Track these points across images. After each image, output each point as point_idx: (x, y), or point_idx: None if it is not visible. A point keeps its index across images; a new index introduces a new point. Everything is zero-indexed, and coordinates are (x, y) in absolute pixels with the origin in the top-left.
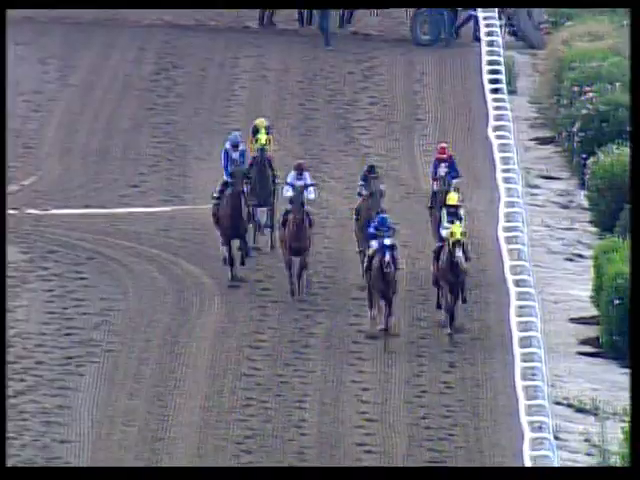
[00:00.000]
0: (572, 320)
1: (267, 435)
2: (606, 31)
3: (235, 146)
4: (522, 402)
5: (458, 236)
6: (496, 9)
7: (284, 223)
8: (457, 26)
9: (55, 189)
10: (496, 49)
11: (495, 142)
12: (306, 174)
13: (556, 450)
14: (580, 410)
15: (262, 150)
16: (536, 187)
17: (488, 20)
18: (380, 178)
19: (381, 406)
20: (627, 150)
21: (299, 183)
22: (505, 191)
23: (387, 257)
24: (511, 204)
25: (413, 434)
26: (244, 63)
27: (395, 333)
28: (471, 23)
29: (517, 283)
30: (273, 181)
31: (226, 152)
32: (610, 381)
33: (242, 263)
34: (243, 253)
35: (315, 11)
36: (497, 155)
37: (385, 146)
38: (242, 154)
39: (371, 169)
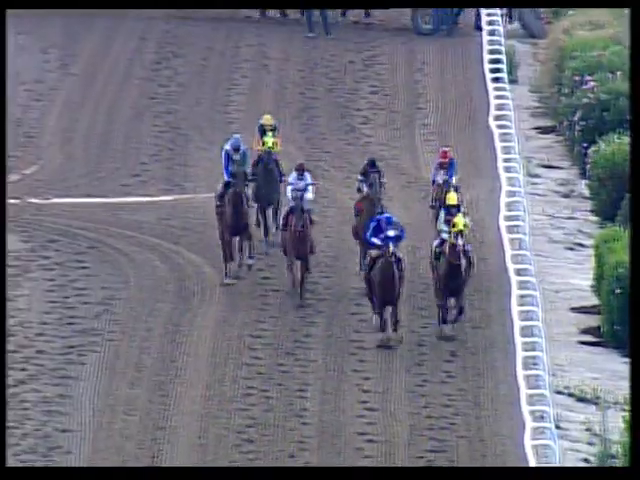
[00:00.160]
0: (573, 309)
1: (268, 424)
2: (607, 20)
3: (236, 150)
4: (523, 391)
5: (461, 227)
6: None
7: (285, 225)
8: (456, 12)
9: (56, 178)
10: (497, 38)
11: (496, 131)
12: (307, 174)
13: (557, 439)
14: (581, 399)
15: (269, 153)
16: (537, 176)
17: (489, 9)
18: (381, 172)
19: (382, 395)
20: (628, 139)
21: (300, 184)
22: (506, 180)
23: (391, 248)
24: (512, 193)
25: (414, 423)
26: (245, 52)
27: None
28: (472, 12)
29: (518, 272)
30: (280, 180)
31: (227, 153)
32: (611, 370)
33: (250, 256)
34: (248, 247)
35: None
36: (498, 144)
37: (386, 135)
38: (243, 156)
39: (372, 163)
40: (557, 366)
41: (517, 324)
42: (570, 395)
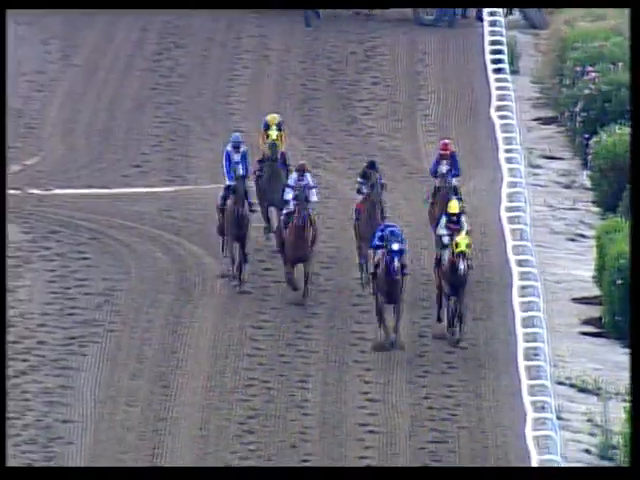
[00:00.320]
0: (574, 300)
1: (270, 415)
2: (608, 11)
3: (236, 147)
4: (524, 382)
5: (463, 247)
6: None
7: (285, 225)
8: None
9: (58, 169)
10: (498, 29)
11: (497, 122)
12: (307, 175)
13: (558, 430)
14: (582, 390)
15: (274, 145)
16: (538, 167)
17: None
18: (381, 173)
19: (383, 386)
20: (629, 130)
21: (301, 184)
22: (507, 171)
23: (396, 263)
24: (513, 184)
25: (416, 414)
26: (246, 43)
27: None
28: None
29: (519, 263)
30: (287, 177)
31: (227, 154)
32: (612, 361)
33: (245, 261)
34: (242, 257)
35: None
36: (499, 135)
37: (387, 126)
38: (244, 156)
39: (371, 165)
40: (558, 357)
41: (518, 315)
42: (571, 386)
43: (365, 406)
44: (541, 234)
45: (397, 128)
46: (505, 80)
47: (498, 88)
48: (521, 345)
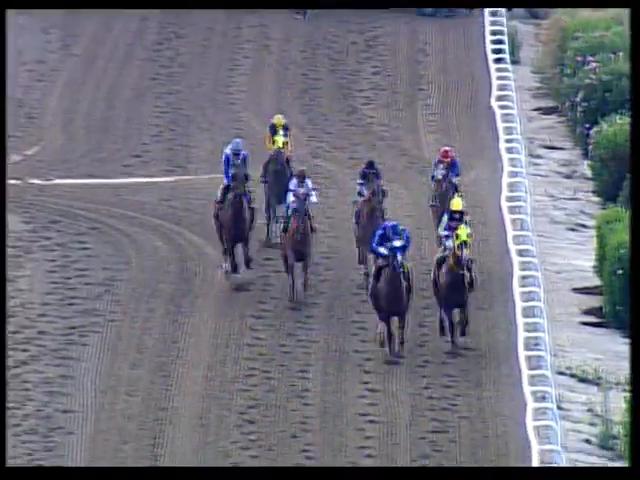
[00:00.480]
0: (575, 290)
1: (270, 405)
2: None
3: (236, 154)
4: (525, 372)
5: (464, 237)
6: None
7: (285, 230)
8: None
9: (58, 159)
10: (499, 19)
11: (498, 112)
12: (308, 181)
13: (559, 420)
14: (583, 380)
15: (279, 153)
16: (539, 157)
17: None
18: (380, 175)
19: (384, 376)
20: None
21: (302, 191)
22: (508, 161)
23: (398, 258)
24: (514, 174)
25: (416, 404)
26: (247, 33)
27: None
28: None
29: (520, 253)
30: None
31: (227, 157)
32: (613, 351)
33: (247, 266)
34: (245, 258)
35: None
36: (500, 125)
37: (388, 116)
38: (244, 160)
39: (370, 165)
40: (559, 347)
41: (519, 305)
42: (572, 376)
43: (365, 396)
44: (542, 224)
45: (398, 118)
46: (506, 70)
47: (499, 78)
48: (521, 335)
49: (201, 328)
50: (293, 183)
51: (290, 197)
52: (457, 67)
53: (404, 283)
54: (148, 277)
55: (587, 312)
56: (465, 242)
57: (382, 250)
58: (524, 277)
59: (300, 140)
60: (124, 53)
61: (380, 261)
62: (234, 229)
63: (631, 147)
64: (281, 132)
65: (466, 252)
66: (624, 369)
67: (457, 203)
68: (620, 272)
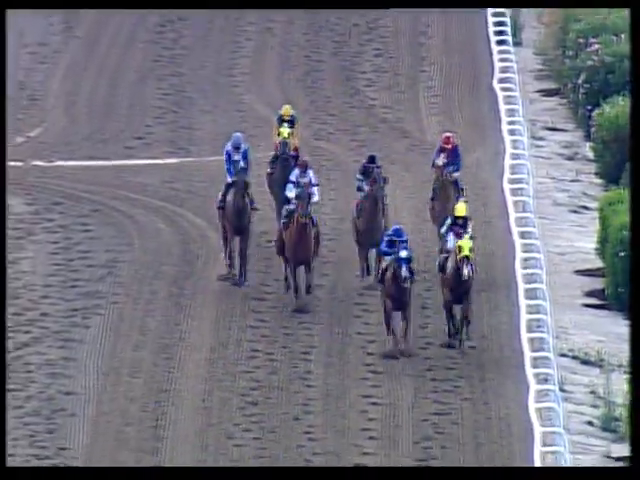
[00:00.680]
0: (577, 272)
1: (272, 387)
2: None
3: (237, 148)
4: (527, 354)
5: (466, 252)
6: None
7: (286, 227)
8: None
9: (60, 141)
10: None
11: (500, 94)
12: (310, 172)
13: (561, 402)
14: (585, 362)
15: (285, 144)
16: (541, 139)
17: None
18: (381, 168)
19: (386, 358)
20: None
21: (303, 181)
22: (510, 143)
23: (404, 271)
24: (516, 156)
25: (419, 386)
26: (249, 15)
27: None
28: None
29: (522, 235)
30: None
31: (228, 153)
32: (615, 333)
33: (243, 258)
34: (243, 250)
35: None
36: (502, 107)
37: (390, 98)
38: (244, 155)
39: (372, 159)
40: (561, 329)
41: (521, 287)
42: (574, 358)
43: (368, 378)
44: (544, 206)
45: (400, 100)
46: (508, 52)
47: (501, 60)
48: (524, 317)
49: (204, 310)
50: (295, 174)
51: (290, 189)
52: (459, 49)
53: (409, 291)
54: (151, 259)
55: (589, 294)
56: (467, 257)
57: (388, 250)
58: (526, 259)
59: (303, 122)
60: (127, 35)
61: (384, 264)
62: (235, 226)
63: (631, 130)
64: (286, 125)
65: (467, 271)
66: (626, 351)
67: (461, 209)
68: (622, 254)
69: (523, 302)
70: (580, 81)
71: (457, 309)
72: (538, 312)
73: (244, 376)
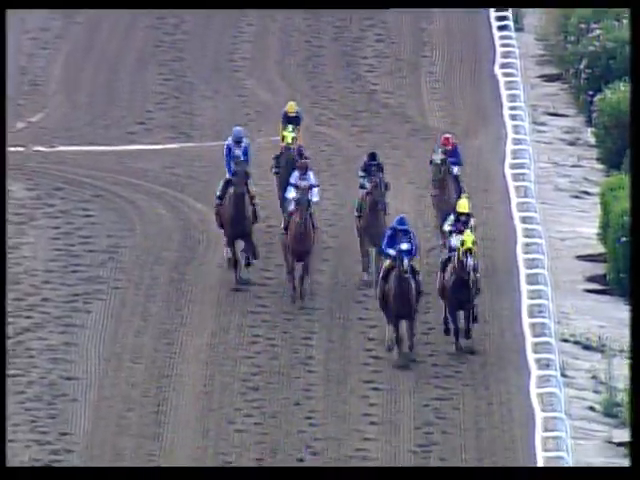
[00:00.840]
0: (579, 257)
1: (274, 372)
2: None
3: (238, 142)
4: (529, 339)
5: (469, 244)
6: None
7: (286, 227)
8: None
9: (62, 126)
10: None
11: (502, 79)
12: (310, 173)
13: (563, 387)
14: (587, 347)
15: (288, 150)
16: (543, 124)
17: None
18: (382, 166)
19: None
20: None
21: (303, 184)
22: (512, 128)
23: (405, 263)
24: (518, 141)
25: (420, 371)
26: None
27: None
28: None
29: (524, 220)
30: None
31: (228, 148)
32: (617, 318)
33: (247, 264)
34: (249, 254)
35: None
36: (504, 92)
37: (392, 83)
38: (245, 151)
39: (372, 156)
40: (563, 314)
41: (523, 272)
42: (576, 343)
43: (369, 363)
44: (545, 191)
45: (401, 85)
46: (509, 37)
47: (502, 45)
48: (525, 302)
49: (205, 295)
50: (294, 176)
51: (291, 191)
52: (461, 34)
53: (413, 286)
54: (152, 244)
55: (591, 279)
56: (470, 250)
57: (390, 251)
58: (528, 244)
59: (304, 107)
60: (128, 20)
61: (388, 262)
62: (235, 227)
63: (632, 116)
64: (290, 128)
65: (471, 260)
66: (628, 336)
67: (463, 205)
68: (624, 239)
69: (524, 287)
70: (582, 66)
71: (460, 314)
72: (539, 297)
73: (245, 361)
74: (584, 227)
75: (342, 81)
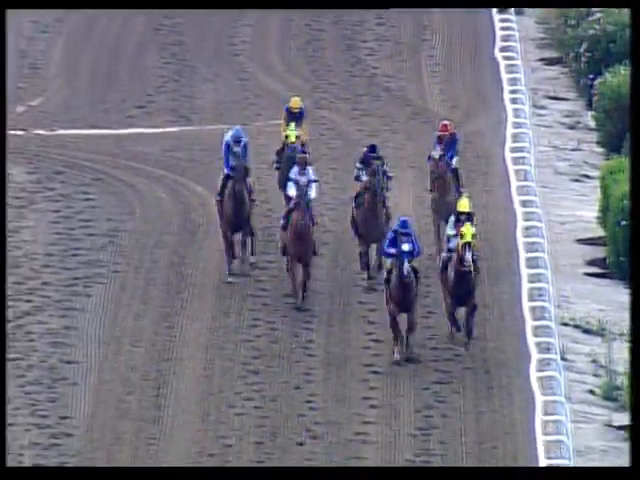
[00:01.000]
0: (579, 241)
1: (274, 356)
2: None
3: (237, 141)
4: (529, 323)
5: (468, 238)
6: None
7: (285, 227)
8: None
9: (62, 110)
10: None
11: (502, 62)
12: (309, 169)
13: (563, 371)
14: (587, 331)
15: (293, 149)
16: (543, 108)
17: None
18: (383, 158)
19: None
20: None
21: (302, 179)
22: (512, 112)
23: (406, 266)
24: (518, 125)
25: (420, 355)
26: None
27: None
28: None
29: (524, 204)
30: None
31: (227, 144)
32: (617, 302)
33: (252, 253)
34: (248, 250)
35: None
36: (504, 76)
37: (392, 67)
38: (244, 148)
39: (372, 148)
40: (563, 298)
41: (522, 256)
42: (576, 327)
43: (369, 347)
44: (545, 175)
45: (401, 69)
46: (510, 20)
47: (502, 28)
48: (525, 286)
49: (205, 279)
50: (294, 172)
51: (290, 187)
52: (461, 18)
53: (414, 288)
54: (152, 228)
55: (591, 263)
56: (469, 243)
57: (391, 251)
58: (528, 228)
59: (304, 91)
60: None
61: (389, 263)
62: (235, 223)
63: (632, 99)
64: (292, 126)
65: (469, 255)
66: (627, 320)
67: (464, 204)
68: (624, 223)
69: (524, 271)
70: (582, 50)
71: (461, 311)
72: (539, 281)
73: (245, 345)
74: (584, 211)
75: (342, 65)
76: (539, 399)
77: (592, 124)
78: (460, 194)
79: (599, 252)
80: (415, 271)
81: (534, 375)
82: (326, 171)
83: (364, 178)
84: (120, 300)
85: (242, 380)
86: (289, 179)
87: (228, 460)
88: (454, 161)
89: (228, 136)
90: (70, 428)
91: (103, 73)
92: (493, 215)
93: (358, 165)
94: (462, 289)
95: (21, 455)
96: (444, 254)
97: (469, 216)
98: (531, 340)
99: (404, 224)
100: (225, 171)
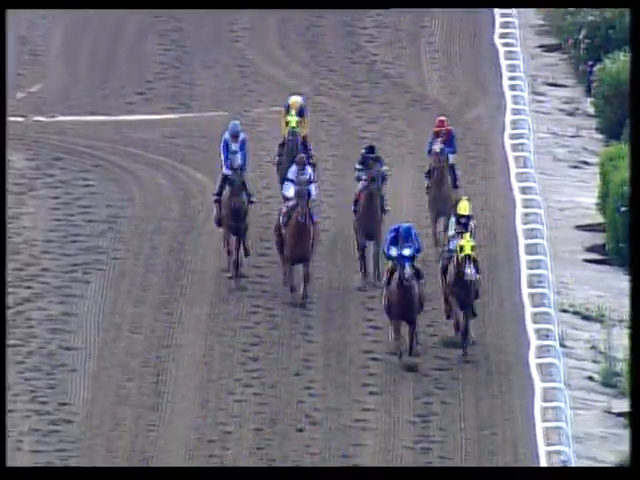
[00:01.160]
0: (578, 227)
1: (273, 342)
2: None
3: (235, 136)
4: (528, 309)
5: (468, 251)
6: None
7: (285, 224)
8: None
9: (61, 96)
10: None
11: (501, 49)
12: (308, 168)
13: (562, 357)
14: (586, 317)
15: (293, 133)
16: (542, 94)
17: None
18: (381, 159)
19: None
20: None
21: (302, 179)
22: (511, 98)
23: (407, 270)
24: (517, 111)
25: (419, 341)
26: None
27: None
28: None
29: (523, 190)
30: (309, 163)
31: (225, 142)
32: (616, 288)
33: (246, 254)
34: (244, 249)
35: None
36: (503, 62)
37: (392, 53)
38: (242, 145)
39: (370, 149)
40: (562, 284)
41: (522, 242)
42: (575, 313)
43: (369, 333)
44: (544, 161)
45: (401, 55)
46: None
47: (502, 15)
48: (525, 272)
49: (204, 265)
50: (292, 171)
51: (289, 187)
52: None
53: (416, 292)
54: (151, 214)
55: (590, 249)
56: (469, 256)
57: (392, 251)
58: (527, 215)
59: (304, 77)
60: None
61: (390, 265)
62: (233, 224)
63: (631, 86)
64: (293, 112)
65: (469, 270)
66: (627, 306)
67: (464, 207)
68: (623, 209)
69: (524, 257)
70: (581, 36)
71: (460, 316)
72: (539, 267)
73: (245, 331)
74: (583, 197)
75: (342, 51)
76: (538, 385)
77: (591, 111)
78: (457, 188)
79: (598, 238)
80: (418, 275)
81: (533, 361)
82: (326, 158)
83: (364, 178)
84: (119, 286)
85: (241, 367)
86: (287, 179)
87: (227, 447)
88: (452, 158)
89: (226, 133)
90: (69, 414)
91: (103, 60)
92: (492, 202)
93: (357, 166)
94: (462, 292)
95: (20, 442)
96: (445, 254)
97: (468, 219)
98: (530, 327)
99: (408, 231)
100: (224, 170)
